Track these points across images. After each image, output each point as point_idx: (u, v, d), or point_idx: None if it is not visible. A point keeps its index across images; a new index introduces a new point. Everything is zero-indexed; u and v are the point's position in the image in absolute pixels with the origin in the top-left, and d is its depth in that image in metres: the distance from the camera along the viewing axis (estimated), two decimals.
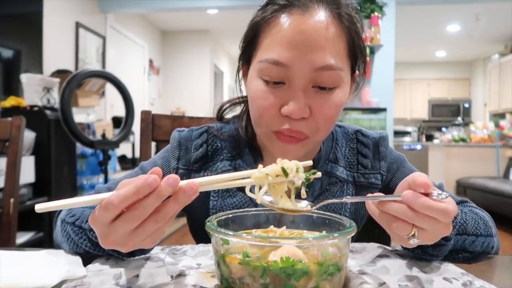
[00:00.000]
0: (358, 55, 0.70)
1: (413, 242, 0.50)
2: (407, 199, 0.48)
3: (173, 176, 0.45)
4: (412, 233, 0.49)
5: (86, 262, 0.60)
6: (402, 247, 0.66)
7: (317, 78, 0.64)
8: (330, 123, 0.68)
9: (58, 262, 0.60)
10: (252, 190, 0.52)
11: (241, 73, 0.76)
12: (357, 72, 0.72)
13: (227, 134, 0.80)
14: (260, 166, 0.53)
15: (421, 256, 0.63)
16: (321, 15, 0.63)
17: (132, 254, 0.60)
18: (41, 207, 0.44)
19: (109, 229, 0.45)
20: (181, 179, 0.46)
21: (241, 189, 0.75)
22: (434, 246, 0.60)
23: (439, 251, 0.61)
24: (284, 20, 0.64)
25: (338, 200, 0.60)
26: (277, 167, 0.51)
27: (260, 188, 0.52)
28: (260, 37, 0.67)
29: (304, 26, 0.62)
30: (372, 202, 0.52)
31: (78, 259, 0.62)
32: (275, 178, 0.51)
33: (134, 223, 0.45)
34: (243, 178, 0.51)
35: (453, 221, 0.59)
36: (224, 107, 0.86)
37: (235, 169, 0.78)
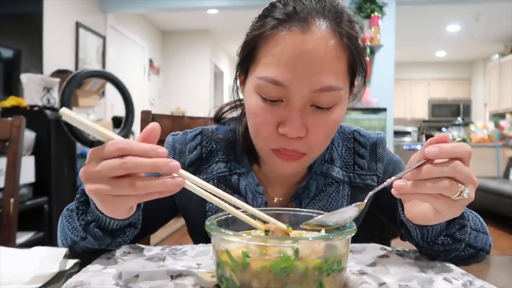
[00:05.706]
0: (357, 71, 0.69)
1: (466, 196, 0.52)
2: (433, 153, 0.50)
3: (176, 163, 0.48)
4: (461, 188, 0.51)
5: (86, 262, 0.60)
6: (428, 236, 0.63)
7: (315, 98, 0.63)
8: (326, 141, 0.69)
9: (32, 258, 0.61)
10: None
11: (238, 80, 0.75)
12: (356, 83, 0.71)
13: (222, 136, 0.79)
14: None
15: (451, 244, 0.62)
16: (322, 34, 0.62)
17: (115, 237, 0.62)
18: (66, 112, 0.47)
19: (98, 166, 0.48)
20: None
21: (237, 191, 0.76)
22: (460, 228, 0.62)
23: (464, 233, 0.62)
24: (284, 38, 0.62)
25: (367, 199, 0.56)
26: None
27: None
28: (259, 52, 0.65)
29: (304, 46, 0.61)
30: (399, 180, 0.52)
31: (59, 252, 0.62)
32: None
33: (118, 169, 0.47)
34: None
35: None
36: (223, 111, 0.85)
37: (231, 171, 0.77)
